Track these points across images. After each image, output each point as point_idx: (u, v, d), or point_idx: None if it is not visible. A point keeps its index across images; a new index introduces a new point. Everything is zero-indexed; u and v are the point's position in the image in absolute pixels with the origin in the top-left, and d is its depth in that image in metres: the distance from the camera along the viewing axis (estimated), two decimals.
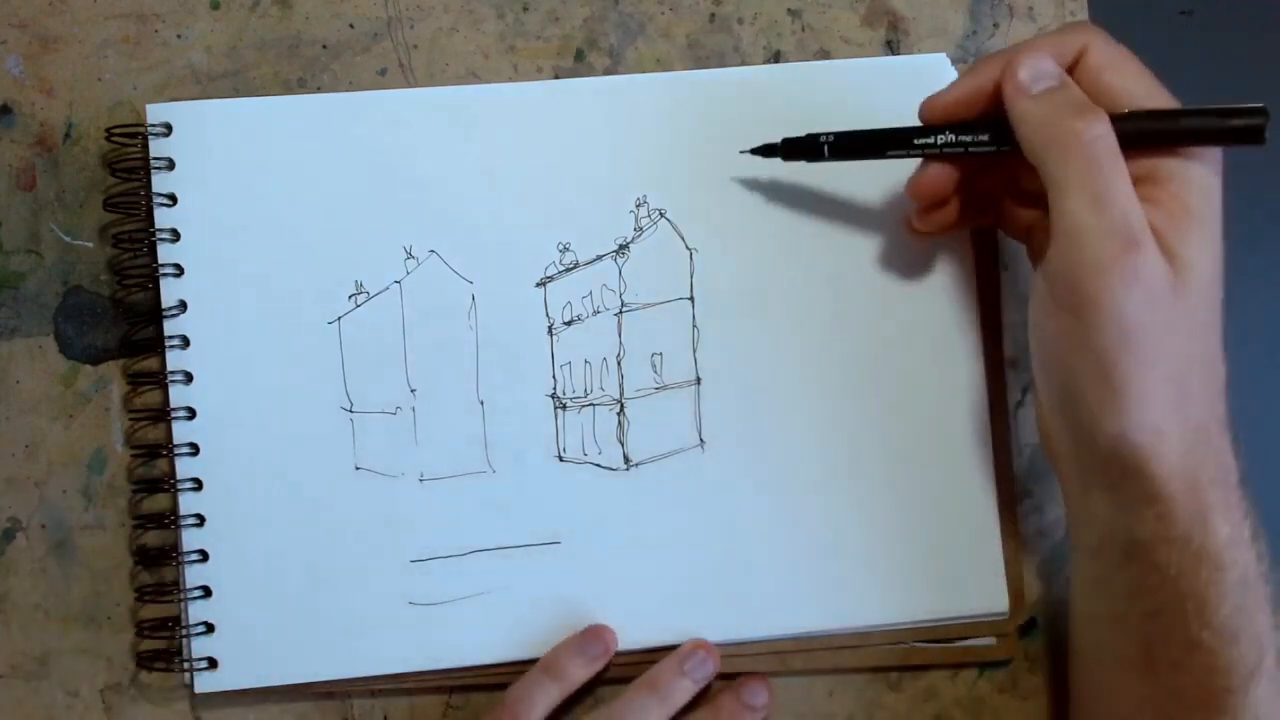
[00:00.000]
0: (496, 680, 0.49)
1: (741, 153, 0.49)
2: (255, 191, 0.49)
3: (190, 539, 0.48)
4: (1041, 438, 0.45)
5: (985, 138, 0.44)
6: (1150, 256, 0.39)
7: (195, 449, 0.49)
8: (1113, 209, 0.39)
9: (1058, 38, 0.43)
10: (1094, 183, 0.40)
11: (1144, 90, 0.42)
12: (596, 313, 0.50)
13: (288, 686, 0.49)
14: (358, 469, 0.49)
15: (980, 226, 0.50)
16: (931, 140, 0.45)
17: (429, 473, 0.49)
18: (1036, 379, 0.44)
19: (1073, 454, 0.43)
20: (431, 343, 0.50)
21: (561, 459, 0.50)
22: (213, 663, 0.48)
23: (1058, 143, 0.41)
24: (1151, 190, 0.41)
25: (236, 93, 0.51)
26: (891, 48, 0.53)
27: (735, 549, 0.50)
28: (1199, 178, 0.41)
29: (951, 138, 0.45)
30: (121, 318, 0.50)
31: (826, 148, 0.47)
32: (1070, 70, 0.43)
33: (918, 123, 0.45)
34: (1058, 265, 0.41)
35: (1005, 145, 0.44)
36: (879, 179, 0.51)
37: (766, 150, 0.48)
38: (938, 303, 0.51)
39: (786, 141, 0.48)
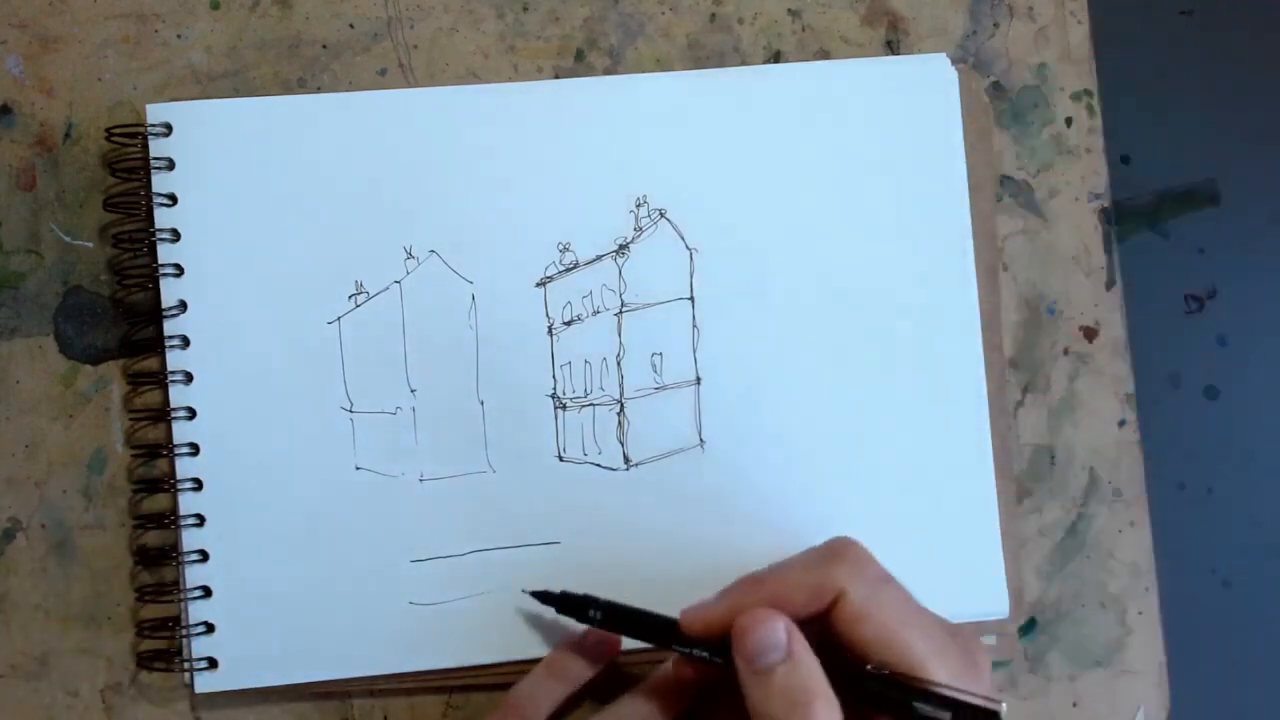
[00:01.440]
0: (496, 680, 0.49)
1: (523, 591, 0.48)
2: (255, 191, 0.49)
3: (190, 539, 0.48)
4: None
5: (721, 661, 0.42)
6: None
7: (195, 449, 0.49)
8: None
9: (813, 577, 0.40)
10: None
11: (894, 642, 0.39)
12: (596, 313, 0.50)
13: (288, 686, 0.49)
14: (358, 469, 0.49)
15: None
16: (686, 650, 0.43)
17: (429, 473, 0.49)
18: None
19: None
20: (431, 343, 0.50)
21: (561, 459, 0.50)
22: (213, 663, 0.48)
23: None
24: None
25: (236, 93, 0.51)
26: (891, 48, 0.53)
27: (735, 549, 0.50)
28: None
29: (702, 654, 0.42)
30: (121, 318, 0.50)
31: (598, 614, 0.45)
32: (827, 609, 0.40)
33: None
34: None
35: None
36: (878, 178, 0.51)
37: (542, 597, 0.47)
38: (938, 303, 0.51)
39: (563, 595, 0.46)
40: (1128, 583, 0.52)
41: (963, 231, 0.51)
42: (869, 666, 0.40)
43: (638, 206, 0.50)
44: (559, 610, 0.46)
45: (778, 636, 0.39)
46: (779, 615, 0.40)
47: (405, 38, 0.52)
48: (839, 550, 0.41)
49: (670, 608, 0.49)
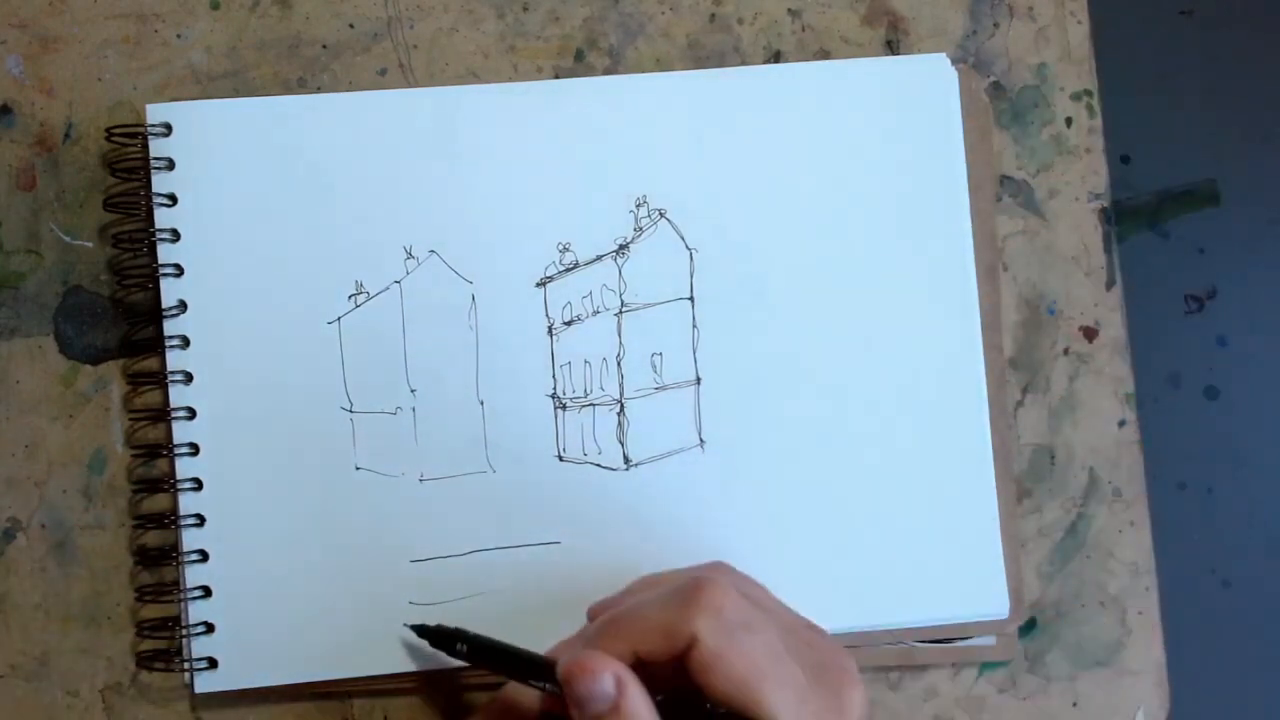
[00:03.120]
0: (496, 680, 0.49)
1: (405, 625, 0.47)
2: (255, 191, 0.49)
3: (190, 539, 0.48)
4: None
5: None
6: None
7: (195, 449, 0.49)
8: None
9: (666, 620, 0.39)
10: None
11: (745, 694, 0.38)
12: (596, 313, 0.50)
13: (288, 686, 0.49)
14: (358, 469, 0.49)
15: None
16: (542, 685, 0.42)
17: (429, 473, 0.49)
18: None
19: None
20: (431, 343, 0.50)
21: (561, 459, 0.50)
22: (213, 663, 0.48)
23: None
24: None
25: (236, 93, 0.51)
26: (891, 48, 0.53)
27: (735, 549, 0.50)
28: None
29: (554, 689, 0.41)
30: (121, 318, 0.50)
31: (464, 648, 0.45)
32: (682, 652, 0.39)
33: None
34: None
35: None
36: (878, 178, 0.51)
37: (419, 630, 0.46)
38: (938, 303, 0.51)
39: (435, 628, 0.46)
40: (1128, 583, 0.52)
41: (963, 231, 0.51)
42: (708, 706, 0.39)
43: (638, 206, 0.50)
44: (432, 644, 0.45)
45: (605, 688, 0.38)
46: (609, 665, 0.39)
47: (405, 38, 0.52)
48: (695, 591, 0.40)
49: None
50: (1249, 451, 0.51)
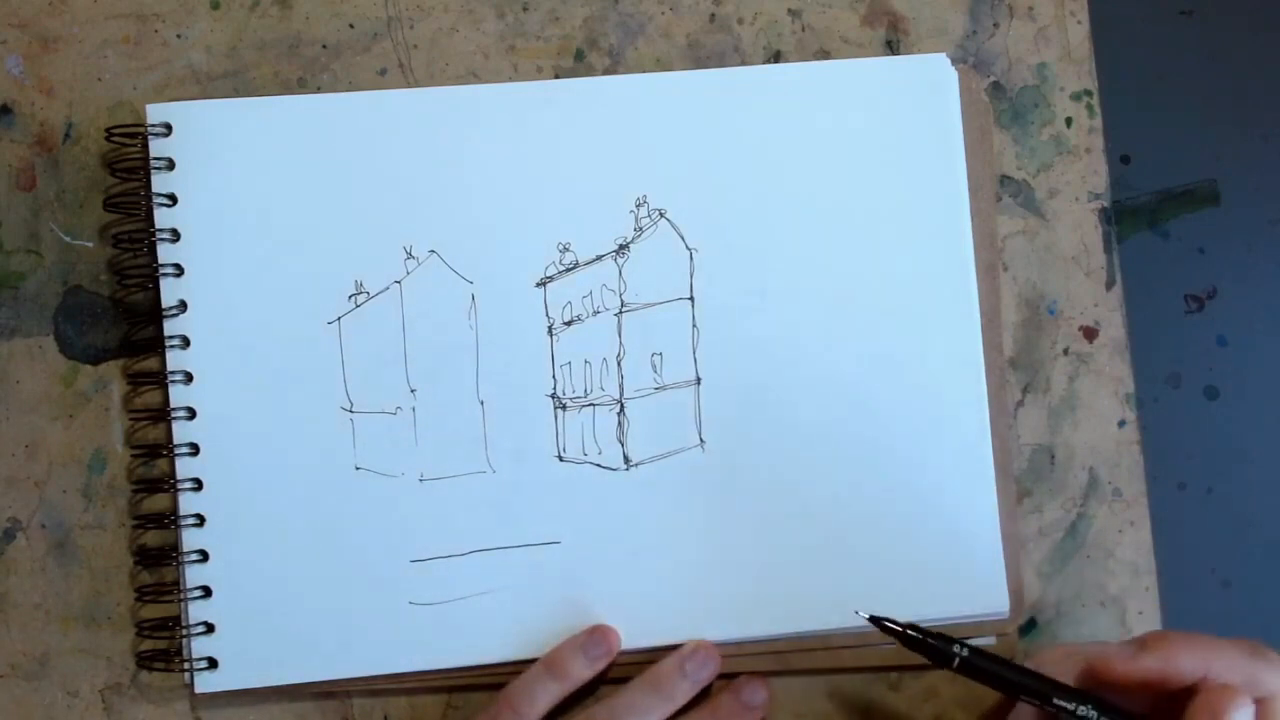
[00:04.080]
0: (496, 680, 0.49)
1: (857, 612, 0.46)
2: (255, 191, 0.49)
3: (190, 539, 0.48)
4: None
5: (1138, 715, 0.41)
6: None
7: (195, 449, 0.49)
8: None
9: (1249, 670, 0.41)
10: None
11: None
12: (596, 313, 0.50)
13: (288, 686, 0.49)
14: (358, 469, 0.49)
15: None
16: (1071, 708, 0.41)
17: (429, 473, 0.49)
18: None
19: None
20: (431, 343, 0.50)
21: (561, 459, 0.50)
22: (213, 663, 0.48)
23: None
24: None
25: (236, 93, 0.51)
26: (891, 48, 0.53)
27: (735, 549, 0.50)
28: None
29: (1094, 715, 0.41)
30: (121, 318, 0.50)
31: (957, 660, 0.43)
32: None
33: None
34: None
35: None
36: (878, 178, 0.51)
37: (883, 626, 0.44)
38: (938, 302, 0.51)
39: (913, 628, 0.44)
40: (1128, 583, 0.52)
41: (963, 231, 0.51)
42: None
43: (638, 206, 0.50)
44: (906, 646, 0.44)
45: (1245, 713, 0.40)
46: (1246, 696, 0.41)
47: (405, 38, 0.52)
48: (1272, 654, 0.42)
49: (669, 609, 0.49)
50: (1249, 451, 0.51)
